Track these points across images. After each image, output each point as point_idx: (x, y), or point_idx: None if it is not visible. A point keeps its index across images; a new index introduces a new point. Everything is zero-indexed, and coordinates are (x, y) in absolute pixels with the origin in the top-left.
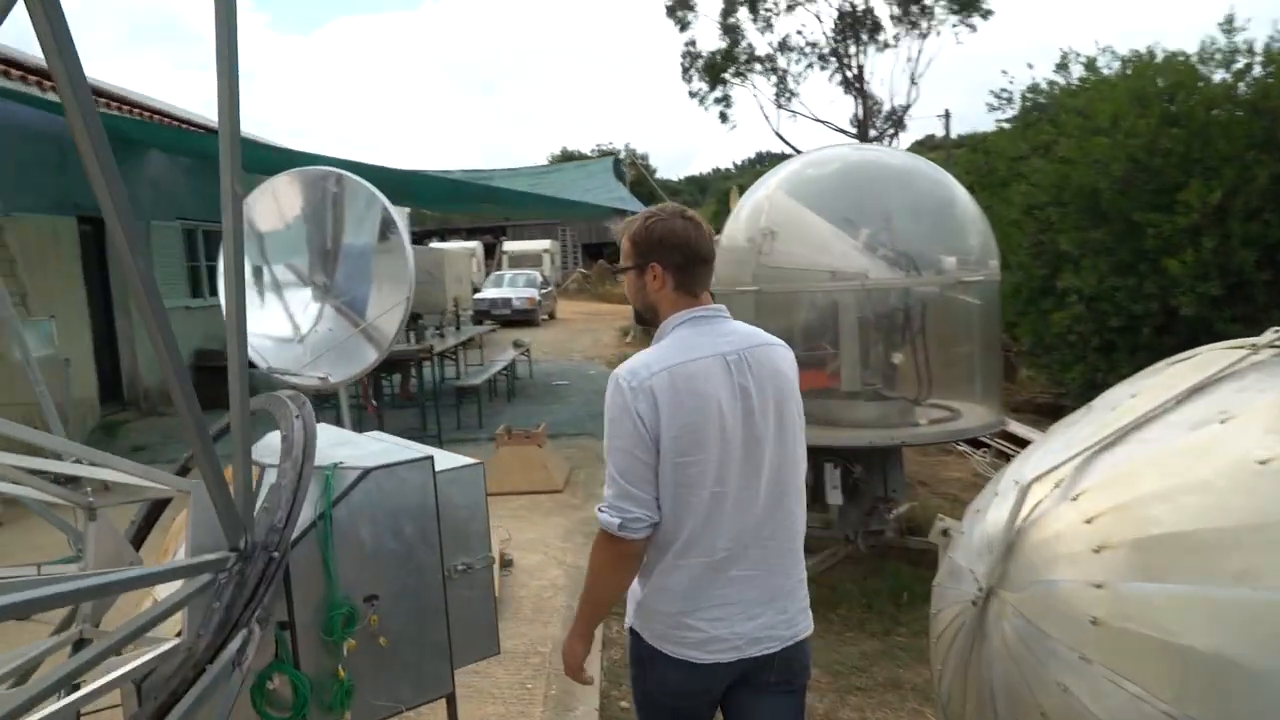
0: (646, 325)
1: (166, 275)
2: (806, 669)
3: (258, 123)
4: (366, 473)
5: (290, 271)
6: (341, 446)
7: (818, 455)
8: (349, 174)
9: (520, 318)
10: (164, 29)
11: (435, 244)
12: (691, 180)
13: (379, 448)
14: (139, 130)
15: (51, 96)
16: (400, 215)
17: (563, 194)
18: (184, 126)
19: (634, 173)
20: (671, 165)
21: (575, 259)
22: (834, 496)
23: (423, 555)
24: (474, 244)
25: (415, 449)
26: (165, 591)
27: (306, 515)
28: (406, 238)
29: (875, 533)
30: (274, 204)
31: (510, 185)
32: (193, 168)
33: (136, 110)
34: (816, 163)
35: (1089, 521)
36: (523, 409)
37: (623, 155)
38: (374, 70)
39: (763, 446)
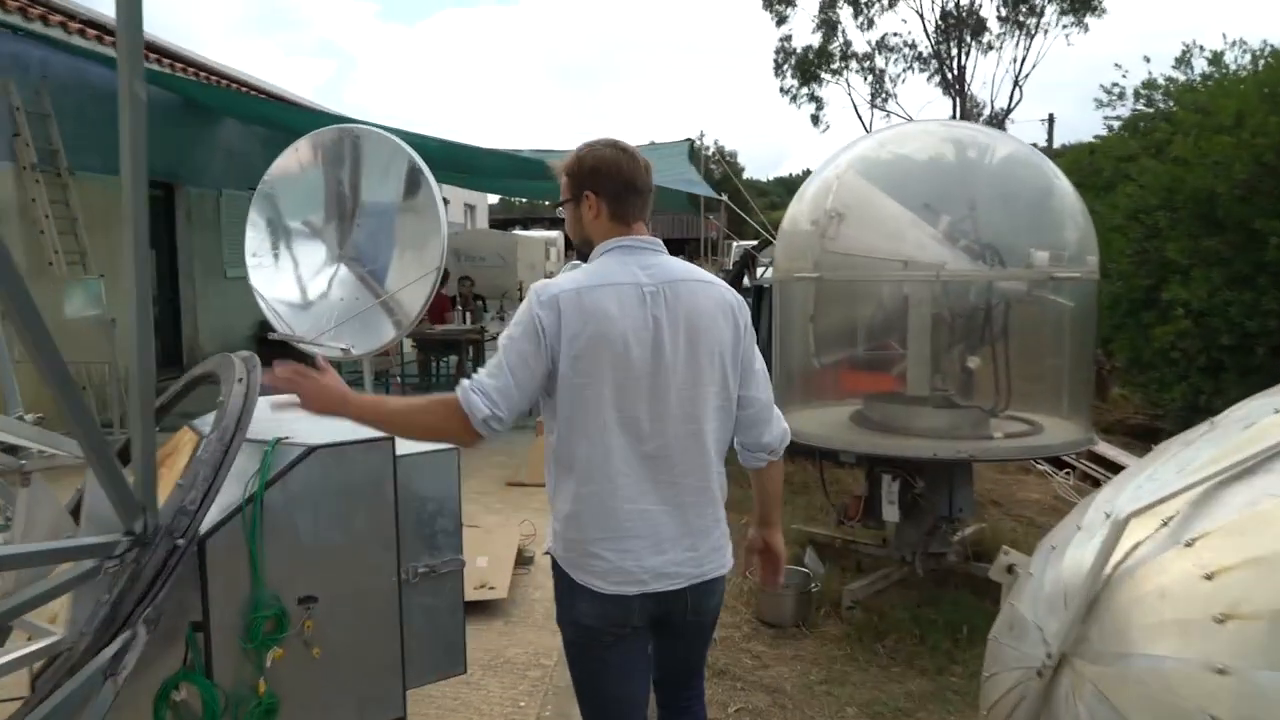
0: (585, 260)
1: (239, 242)
2: (718, 608)
3: (356, 109)
4: (310, 451)
5: (307, 229)
6: (301, 421)
7: (874, 465)
8: (370, 126)
9: None
10: (275, 17)
11: (518, 232)
12: (780, 181)
13: (347, 425)
14: (210, 96)
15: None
16: (438, 189)
17: None
18: (259, 95)
19: (721, 170)
20: (761, 166)
21: None
22: (890, 513)
23: (375, 553)
24: (555, 234)
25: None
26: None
27: (233, 496)
28: (438, 196)
29: (936, 555)
30: (294, 160)
31: None
32: (270, 138)
33: (211, 77)
34: (894, 140)
35: (1209, 577)
36: None
37: (710, 151)
38: (472, 61)
39: (668, 379)
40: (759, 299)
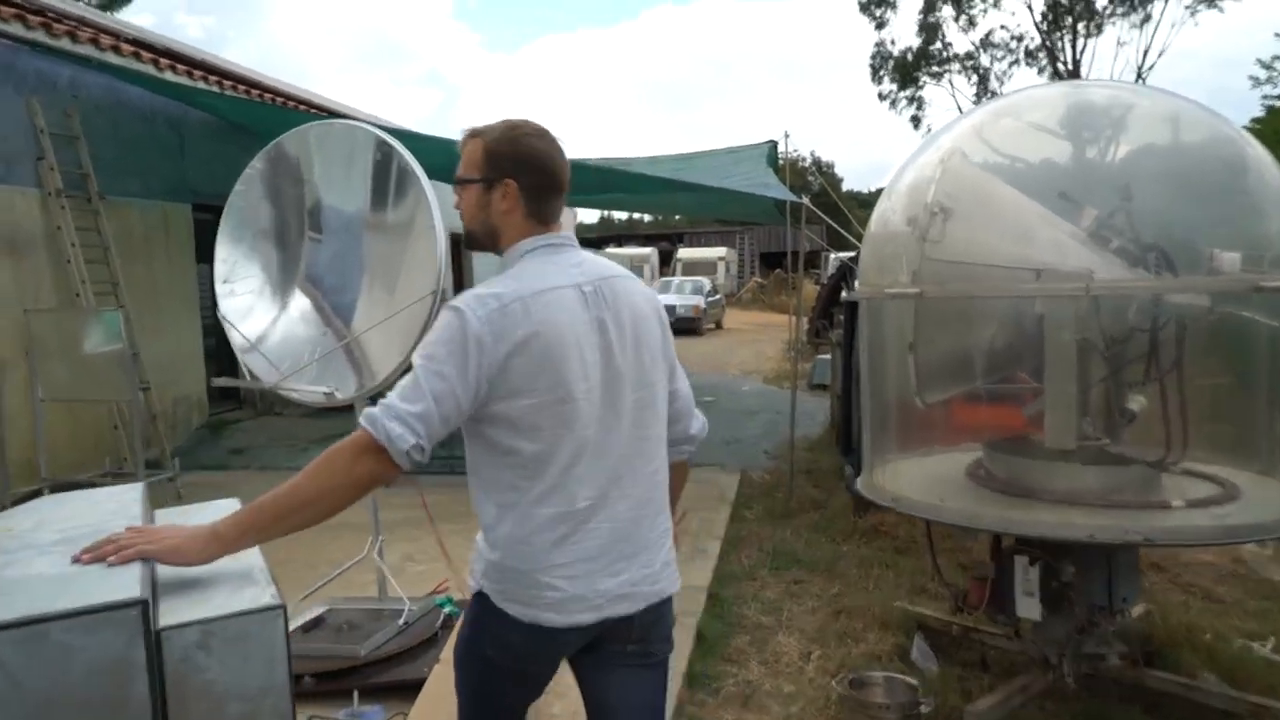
0: (476, 248)
1: None
2: (669, 638)
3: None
4: None
5: (278, 250)
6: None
7: (1004, 542)
8: (338, 120)
9: (683, 326)
10: (384, 51)
11: (612, 249)
12: (881, 192)
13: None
14: (261, 115)
15: (169, 77)
16: (431, 192)
17: (703, 180)
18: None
19: (818, 182)
20: (860, 176)
21: (753, 268)
22: (1028, 607)
23: None
24: (648, 250)
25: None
26: None
27: None
28: (433, 202)
29: (1091, 657)
30: (266, 166)
31: (650, 172)
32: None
33: (278, 99)
34: (1015, 109)
35: None
36: None
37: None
38: (571, 83)
39: (623, 384)
40: (853, 315)
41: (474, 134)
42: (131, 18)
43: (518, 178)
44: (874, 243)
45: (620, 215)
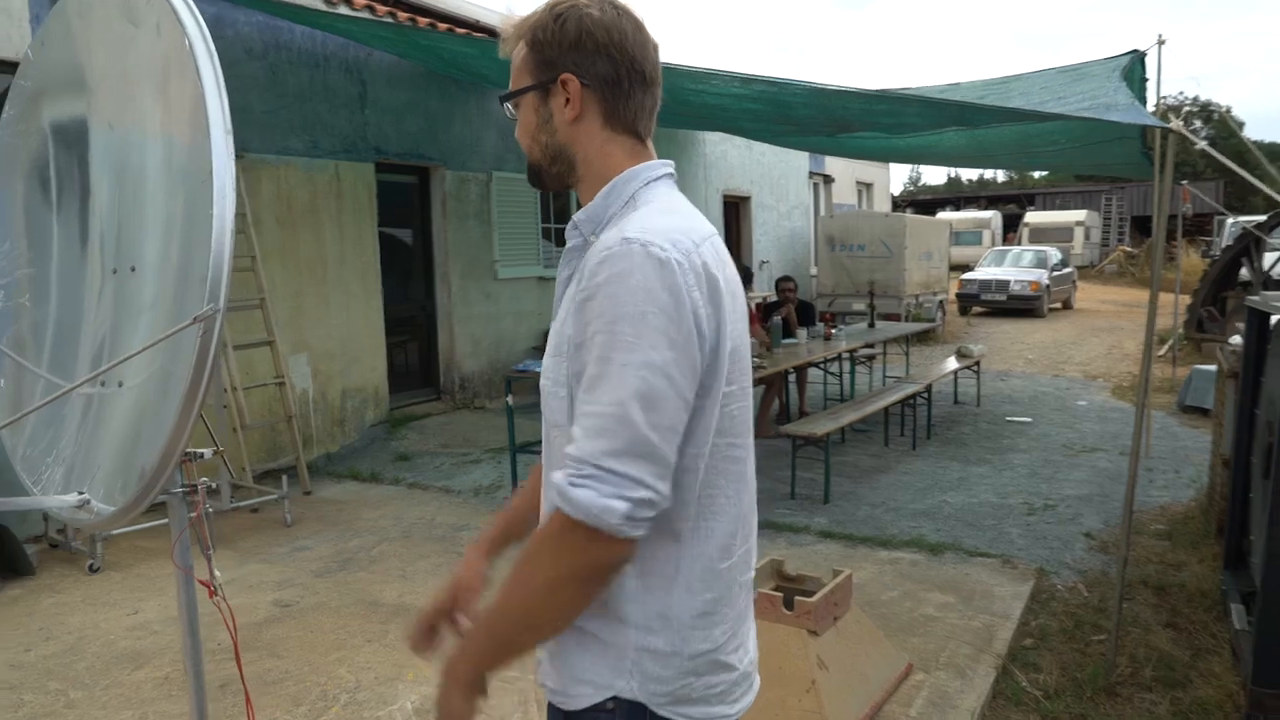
0: (544, 186)
1: (515, 236)
2: None
3: None
4: None
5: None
6: None
7: None
8: None
9: (1019, 305)
10: None
11: (945, 214)
12: None
13: None
14: (472, 56)
15: (344, 10)
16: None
17: (1016, 103)
18: None
19: (1213, 129)
20: (1267, 123)
21: (1121, 235)
22: None
23: None
24: (989, 214)
25: None
26: None
27: None
28: (217, 118)
29: None
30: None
31: (950, 97)
32: None
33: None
34: None
35: None
36: (920, 470)
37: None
38: (931, 32)
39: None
40: (1263, 330)
41: (515, 33)
42: None
43: (579, 68)
44: None
45: (969, 174)
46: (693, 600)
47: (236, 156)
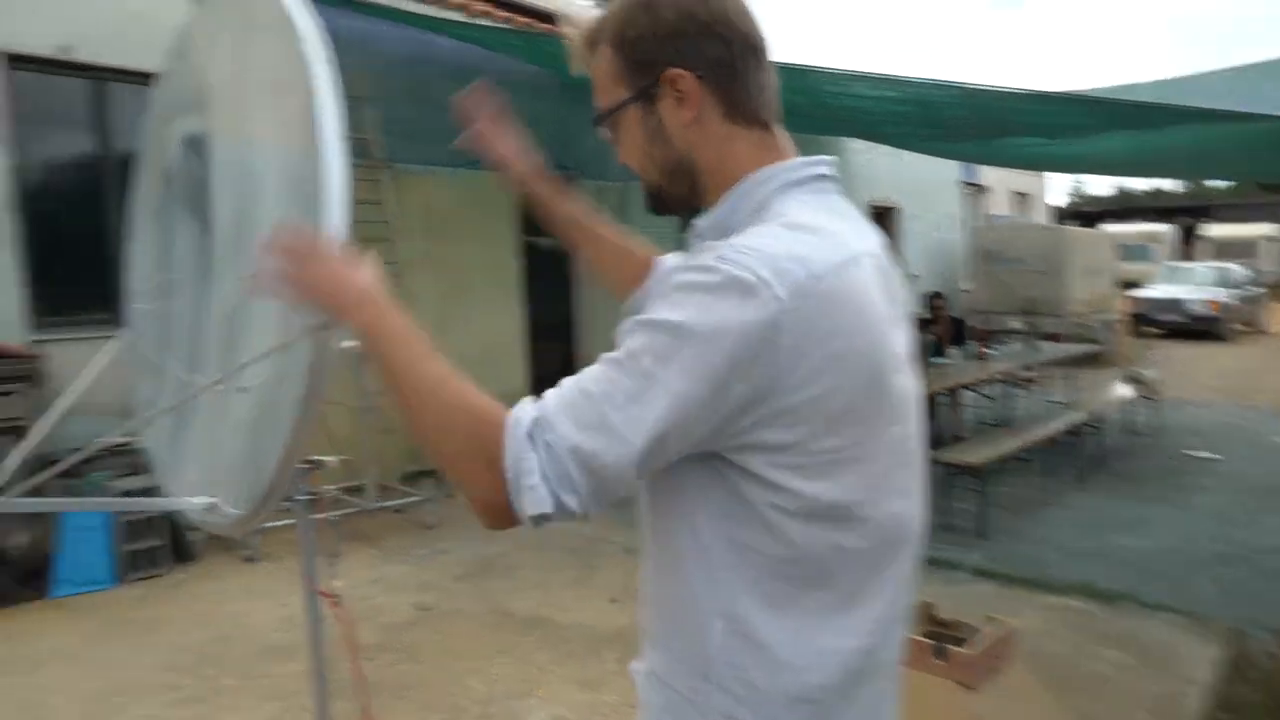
0: (668, 210)
1: (655, 244)
2: None
3: None
4: None
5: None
6: None
7: None
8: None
9: (1198, 327)
10: None
11: (1108, 226)
12: None
13: None
14: None
15: (484, 22)
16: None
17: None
18: None
19: None
20: None
21: None
22: None
23: None
24: (1163, 227)
25: None
26: None
27: None
28: (332, 125)
29: None
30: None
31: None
32: None
33: None
34: None
35: None
36: (1089, 506)
37: None
38: (1089, 28)
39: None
40: None
41: (590, 39)
42: None
43: (685, 58)
44: None
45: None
46: (822, 674)
47: (385, 166)
